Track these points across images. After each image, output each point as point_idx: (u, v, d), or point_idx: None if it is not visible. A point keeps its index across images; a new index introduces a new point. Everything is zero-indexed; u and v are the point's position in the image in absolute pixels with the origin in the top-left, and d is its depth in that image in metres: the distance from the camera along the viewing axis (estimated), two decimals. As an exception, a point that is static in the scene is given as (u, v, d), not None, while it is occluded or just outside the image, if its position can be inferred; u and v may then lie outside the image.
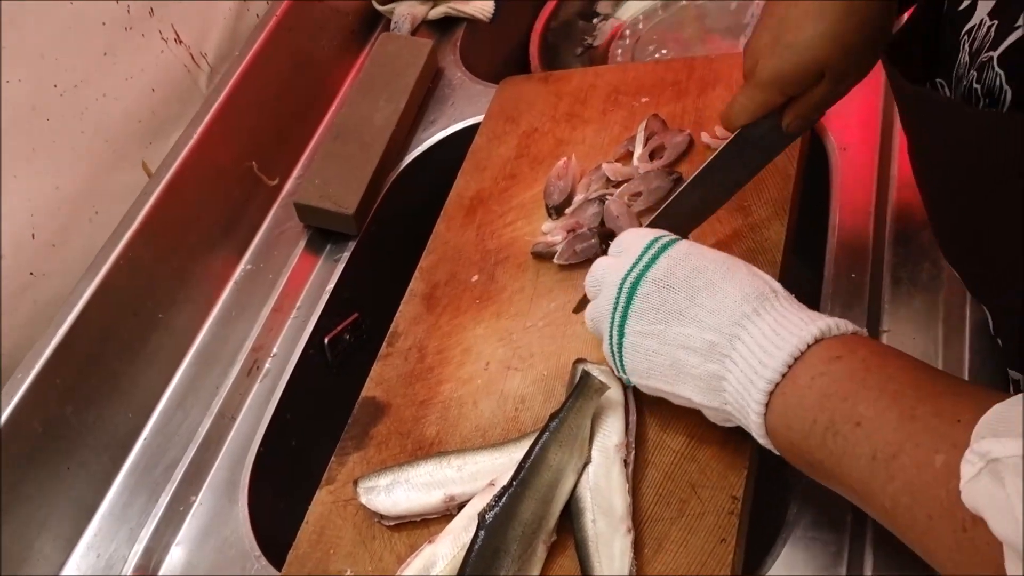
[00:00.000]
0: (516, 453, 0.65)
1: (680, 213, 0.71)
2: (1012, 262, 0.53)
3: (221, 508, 0.78)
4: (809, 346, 0.53)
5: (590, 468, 0.63)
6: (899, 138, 0.82)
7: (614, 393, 0.65)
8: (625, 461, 0.63)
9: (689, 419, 0.65)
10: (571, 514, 0.62)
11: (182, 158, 0.89)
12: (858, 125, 0.84)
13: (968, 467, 0.41)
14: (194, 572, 0.75)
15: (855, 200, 0.79)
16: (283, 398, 0.85)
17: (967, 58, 0.53)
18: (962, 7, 0.54)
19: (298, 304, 0.92)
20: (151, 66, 0.94)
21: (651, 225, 0.68)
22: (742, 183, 0.72)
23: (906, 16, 0.64)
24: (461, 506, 0.65)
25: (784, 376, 0.53)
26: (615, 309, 0.61)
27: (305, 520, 0.72)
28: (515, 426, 0.70)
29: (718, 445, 0.63)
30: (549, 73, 1.02)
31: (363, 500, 0.68)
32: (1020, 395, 0.43)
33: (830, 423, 0.50)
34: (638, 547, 0.60)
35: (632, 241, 0.63)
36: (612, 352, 0.62)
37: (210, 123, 0.92)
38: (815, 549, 0.61)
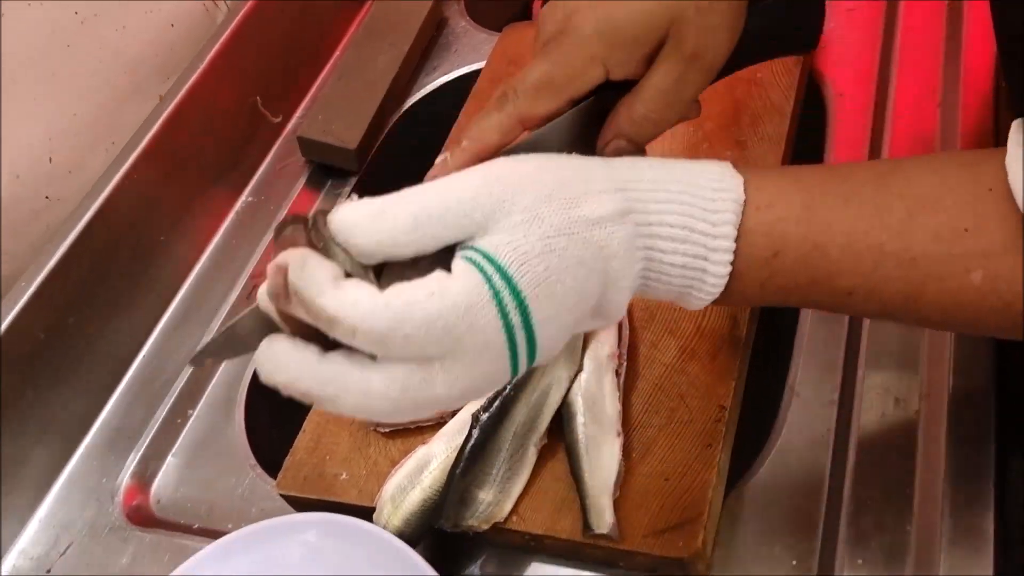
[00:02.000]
0: (510, 363, 0.66)
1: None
2: None
3: (217, 422, 0.79)
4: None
5: (582, 376, 0.64)
6: (896, 85, 0.83)
7: (608, 308, 0.67)
8: (617, 372, 0.64)
9: (680, 337, 0.67)
10: (563, 419, 0.63)
11: (189, 86, 0.89)
12: (855, 72, 0.85)
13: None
14: (189, 480, 0.76)
15: (851, 145, 0.81)
16: (281, 321, 0.85)
17: None
18: None
19: (298, 235, 0.92)
20: (170, 1, 0.95)
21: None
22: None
23: None
24: (454, 413, 0.67)
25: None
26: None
27: (302, 429, 0.73)
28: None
29: (707, 360, 0.65)
30: (553, 21, 1.03)
31: (359, 408, 0.69)
32: None
33: (818, 303, 0.47)
34: (626, 451, 0.61)
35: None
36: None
37: (217, 55, 0.92)
38: (801, 459, 0.63)
